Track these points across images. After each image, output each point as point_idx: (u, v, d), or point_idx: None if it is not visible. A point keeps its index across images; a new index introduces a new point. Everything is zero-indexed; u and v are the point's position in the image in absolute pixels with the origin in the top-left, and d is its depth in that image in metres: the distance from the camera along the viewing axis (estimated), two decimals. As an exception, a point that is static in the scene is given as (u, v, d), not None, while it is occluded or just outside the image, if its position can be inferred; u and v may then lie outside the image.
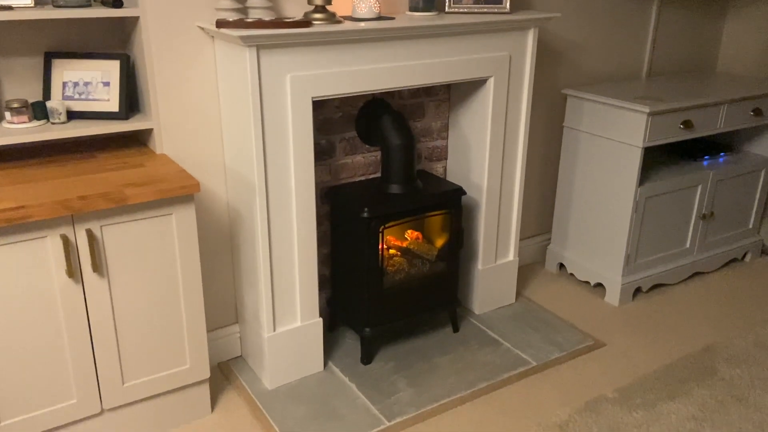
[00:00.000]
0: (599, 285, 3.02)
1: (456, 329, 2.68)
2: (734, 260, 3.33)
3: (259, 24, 1.91)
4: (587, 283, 3.08)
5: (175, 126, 2.12)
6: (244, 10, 2.05)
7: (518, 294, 2.99)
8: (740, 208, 3.20)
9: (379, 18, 2.19)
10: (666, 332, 2.73)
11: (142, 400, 2.04)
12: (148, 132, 2.10)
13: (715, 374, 2.44)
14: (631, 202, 2.76)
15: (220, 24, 1.93)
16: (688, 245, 3.06)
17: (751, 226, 3.29)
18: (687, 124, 2.77)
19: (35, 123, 1.91)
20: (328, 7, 2.13)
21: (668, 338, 2.68)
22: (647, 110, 2.61)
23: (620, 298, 2.91)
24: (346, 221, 2.42)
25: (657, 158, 3.12)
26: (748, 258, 3.35)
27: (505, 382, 2.38)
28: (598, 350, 2.59)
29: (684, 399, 2.30)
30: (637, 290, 2.99)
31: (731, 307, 2.93)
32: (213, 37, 2.08)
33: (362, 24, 2.08)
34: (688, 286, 3.09)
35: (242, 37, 1.85)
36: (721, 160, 3.12)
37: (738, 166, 3.08)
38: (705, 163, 3.07)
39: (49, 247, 1.73)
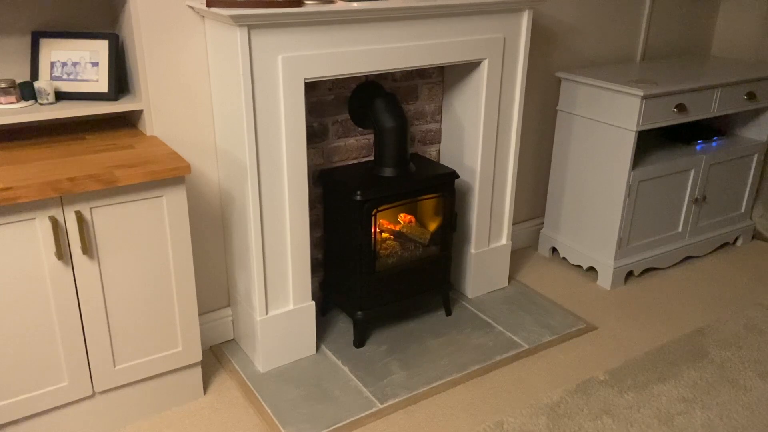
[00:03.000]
0: (591, 269, 3.03)
1: (449, 312, 2.69)
2: (726, 244, 3.35)
3: (250, 3, 1.88)
4: (579, 266, 3.09)
5: (165, 107, 2.10)
6: (234, -10, 2.02)
7: (511, 278, 2.99)
8: (732, 193, 3.21)
9: (372, -2, 2.16)
10: (657, 315, 2.74)
11: (134, 383, 2.04)
12: (137, 113, 2.08)
13: (705, 356, 2.46)
14: (624, 186, 2.76)
15: (211, 3, 1.90)
16: (680, 229, 3.07)
17: (743, 211, 3.30)
18: (681, 108, 2.77)
19: (23, 104, 1.89)
20: (321, -13, 2.10)
21: (660, 321, 2.70)
22: (641, 93, 2.60)
23: (612, 281, 2.92)
24: (338, 204, 2.41)
25: (650, 142, 3.12)
26: (739, 242, 3.37)
27: (497, 364, 2.39)
28: (590, 333, 2.61)
29: (675, 381, 2.32)
30: (629, 274, 3.00)
31: (722, 290, 2.95)
32: (203, 16, 2.05)
33: (355, 4, 2.06)
34: (679, 269, 3.11)
35: (233, 17, 1.83)
36: (714, 144, 3.12)
37: (731, 150, 3.08)
38: (698, 147, 3.07)
39: (38, 229, 1.71)
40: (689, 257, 3.19)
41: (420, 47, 2.24)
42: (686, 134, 3.14)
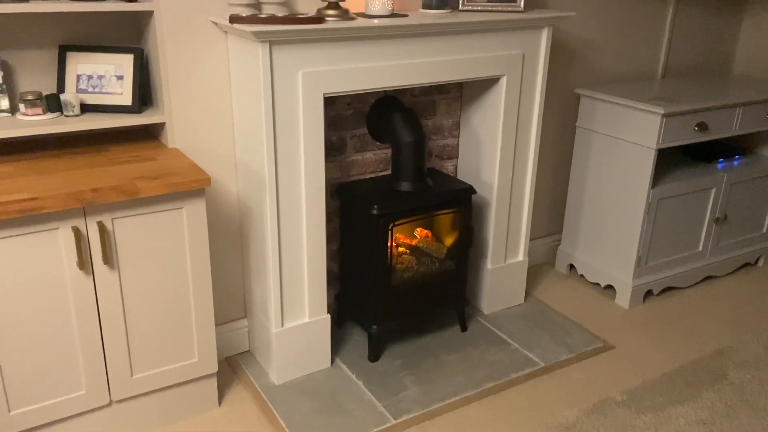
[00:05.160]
0: (609, 287, 3.00)
1: (464, 328, 2.68)
2: (747, 264, 3.30)
3: (272, 19, 1.91)
4: (597, 284, 3.06)
5: (187, 120, 2.13)
6: (257, 6, 2.05)
7: (527, 294, 2.98)
8: (754, 212, 3.17)
9: (392, 15, 2.18)
10: (676, 335, 2.70)
11: (150, 393, 2.06)
12: (160, 126, 2.11)
13: (725, 378, 2.42)
14: (643, 203, 2.74)
15: (233, 19, 1.93)
16: (700, 248, 3.03)
17: (764, 231, 3.26)
18: (702, 126, 2.74)
19: (49, 115, 1.93)
20: (342, 4, 2.13)
21: (678, 341, 2.66)
22: (661, 111, 2.58)
23: (631, 300, 2.89)
24: (355, 218, 2.42)
25: (671, 160, 3.10)
26: (761, 263, 3.32)
27: (512, 382, 2.38)
28: (607, 352, 2.58)
29: (693, 403, 2.28)
30: (648, 293, 2.97)
31: (743, 311, 2.90)
32: (226, 32, 2.09)
33: (375, 21, 2.08)
34: (699, 289, 3.07)
35: (255, 33, 1.86)
36: (735, 163, 3.09)
37: (753, 169, 3.04)
38: (719, 165, 3.04)
39: (60, 238, 1.75)
40: (709, 277, 3.15)
41: (439, 63, 2.25)
42: (707, 152, 3.11)
